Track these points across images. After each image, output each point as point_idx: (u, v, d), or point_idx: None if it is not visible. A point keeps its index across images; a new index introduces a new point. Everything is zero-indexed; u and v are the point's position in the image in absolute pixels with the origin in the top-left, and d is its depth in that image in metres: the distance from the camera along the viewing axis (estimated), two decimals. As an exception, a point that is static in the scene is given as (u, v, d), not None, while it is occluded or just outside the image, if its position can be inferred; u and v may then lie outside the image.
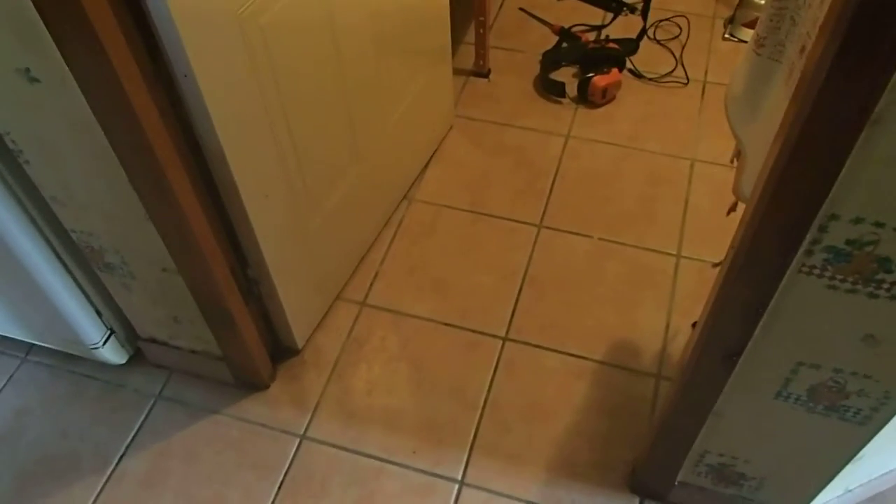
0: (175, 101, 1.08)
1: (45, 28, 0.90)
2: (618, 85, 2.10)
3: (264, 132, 1.25)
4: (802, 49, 0.94)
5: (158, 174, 1.07)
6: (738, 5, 2.30)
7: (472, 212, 1.89)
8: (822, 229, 0.75)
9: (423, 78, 1.80)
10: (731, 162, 1.37)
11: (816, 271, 0.79)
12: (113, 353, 1.53)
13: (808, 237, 0.77)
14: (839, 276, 0.79)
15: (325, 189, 1.51)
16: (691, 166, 1.98)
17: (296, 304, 1.54)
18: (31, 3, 0.88)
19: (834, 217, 0.73)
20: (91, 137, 1.05)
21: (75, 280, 1.36)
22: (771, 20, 1.05)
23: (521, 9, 2.45)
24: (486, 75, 2.22)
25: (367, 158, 1.63)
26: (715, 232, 1.82)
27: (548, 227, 1.85)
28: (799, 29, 0.99)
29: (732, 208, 1.34)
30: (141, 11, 0.96)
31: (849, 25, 0.61)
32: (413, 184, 1.94)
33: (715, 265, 1.09)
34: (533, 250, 1.81)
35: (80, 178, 1.15)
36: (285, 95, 1.26)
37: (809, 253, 0.78)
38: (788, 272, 0.81)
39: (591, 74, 2.07)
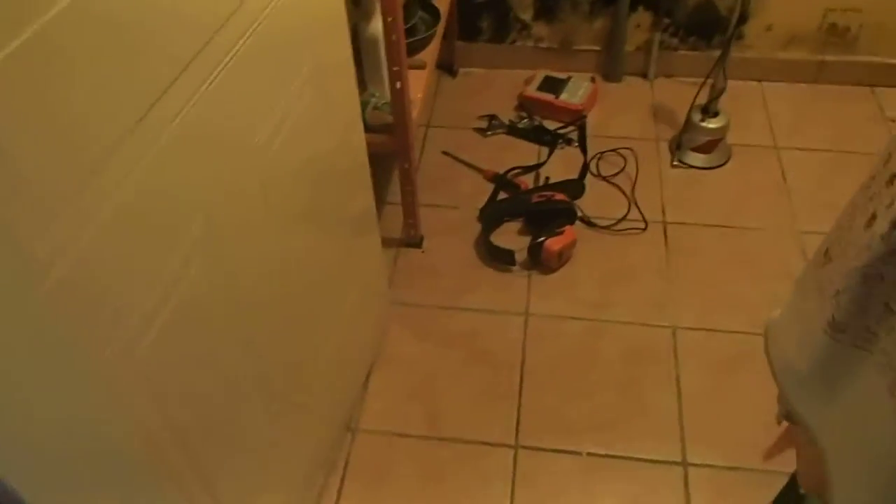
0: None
1: None
2: (573, 244, 1.82)
3: None
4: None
5: None
6: (683, 130, 2.08)
7: (429, 438, 1.54)
8: None
9: (353, 294, 1.46)
10: (778, 423, 1.08)
11: None
12: None
13: None
14: None
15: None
16: (673, 335, 1.71)
17: None
18: None
19: None
20: None
21: None
22: (855, 304, 0.77)
23: (445, 152, 2.16)
24: (418, 244, 1.91)
25: (291, 423, 1.27)
26: (719, 424, 1.54)
27: (526, 447, 1.52)
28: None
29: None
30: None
31: None
32: (354, 407, 1.58)
33: None
34: (514, 481, 1.47)
35: None
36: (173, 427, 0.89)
37: None
38: None
39: (542, 238, 1.78)
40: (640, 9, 2.26)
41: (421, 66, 1.80)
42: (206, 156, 0.83)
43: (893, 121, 2.24)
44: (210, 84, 0.80)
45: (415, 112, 1.69)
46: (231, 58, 0.83)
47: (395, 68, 1.50)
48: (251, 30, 0.87)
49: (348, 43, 1.24)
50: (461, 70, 2.44)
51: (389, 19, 1.44)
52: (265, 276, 1.05)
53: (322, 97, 1.14)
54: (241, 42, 0.86)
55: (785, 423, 1.04)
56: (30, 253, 0.59)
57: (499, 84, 2.39)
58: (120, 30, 0.64)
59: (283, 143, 1.03)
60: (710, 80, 1.98)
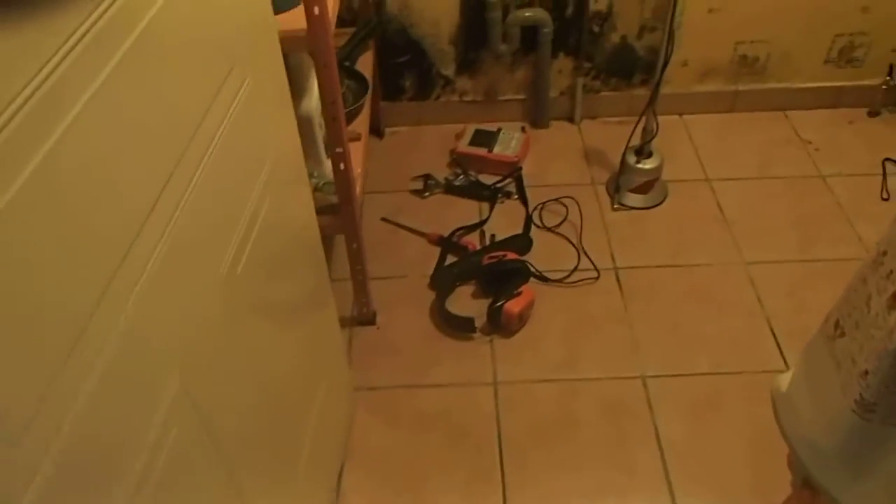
0: None
1: None
2: (531, 304, 1.78)
3: None
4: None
5: None
6: (619, 172, 2.09)
7: (417, 533, 1.46)
8: None
9: (322, 389, 1.36)
10: (793, 488, 1.06)
11: None
12: None
13: None
14: None
15: None
16: (644, 385, 1.69)
17: None
18: None
19: None
20: None
21: None
22: (885, 385, 0.75)
23: (385, 219, 2.09)
24: (372, 320, 1.82)
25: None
26: (704, 473, 1.52)
27: (518, 529, 1.45)
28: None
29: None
30: None
31: None
32: (330, 511, 1.48)
33: None
34: (510, 568, 1.40)
35: None
36: None
37: None
38: None
39: (501, 302, 1.73)
40: (561, 55, 2.28)
41: (357, 138, 1.74)
42: (174, 305, 0.74)
43: (810, 142, 2.33)
44: (170, 228, 0.70)
45: (357, 187, 1.62)
46: (189, 194, 0.75)
47: (338, 150, 1.43)
48: (203, 164, 0.79)
49: (296, 132, 1.16)
50: (388, 130, 2.39)
51: (330, 100, 1.36)
52: (241, 399, 0.95)
53: (279, 201, 1.06)
54: (197, 173, 0.77)
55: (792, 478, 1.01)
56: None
57: (427, 141, 2.35)
58: (63, 219, 0.55)
59: (247, 262, 0.94)
60: (640, 122, 2.00)
